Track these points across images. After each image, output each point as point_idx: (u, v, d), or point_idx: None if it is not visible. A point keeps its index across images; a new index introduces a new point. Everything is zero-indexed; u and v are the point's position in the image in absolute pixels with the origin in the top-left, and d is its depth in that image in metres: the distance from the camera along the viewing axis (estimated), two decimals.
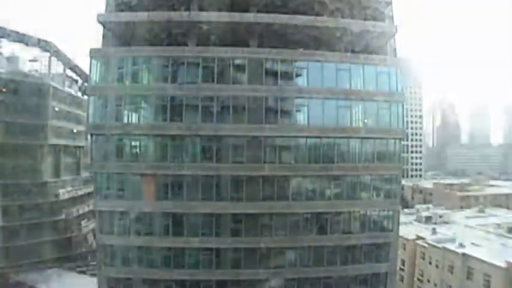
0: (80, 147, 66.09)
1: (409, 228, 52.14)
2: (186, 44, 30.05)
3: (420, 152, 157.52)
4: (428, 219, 56.98)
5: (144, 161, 29.56)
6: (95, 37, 30.97)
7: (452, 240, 44.72)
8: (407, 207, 75.07)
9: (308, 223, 30.53)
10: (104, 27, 30.34)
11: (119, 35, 30.96)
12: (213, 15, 29.01)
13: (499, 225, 53.24)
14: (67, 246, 58.11)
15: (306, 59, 30.31)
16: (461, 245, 42.54)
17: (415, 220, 58.14)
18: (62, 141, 60.94)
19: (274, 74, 29.97)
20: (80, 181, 65.95)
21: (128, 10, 30.04)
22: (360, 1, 30.92)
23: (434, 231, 49.51)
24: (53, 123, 58.26)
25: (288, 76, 30.47)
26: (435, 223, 55.51)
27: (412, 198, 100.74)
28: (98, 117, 30.03)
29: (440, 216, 58.54)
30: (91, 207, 58.82)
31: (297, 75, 30.73)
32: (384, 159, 31.24)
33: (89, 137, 31.04)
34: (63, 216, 58.72)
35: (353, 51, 31.38)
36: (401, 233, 36.48)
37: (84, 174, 64.69)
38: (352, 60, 30.47)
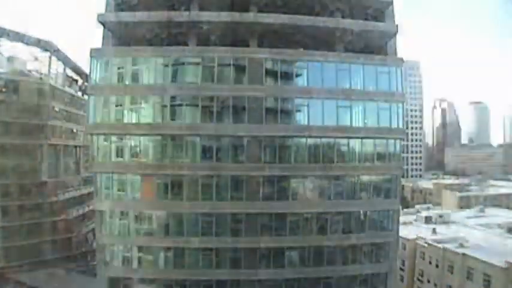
0: (80, 147, 66.05)
1: (409, 228, 52.16)
2: (186, 44, 30.04)
3: (420, 152, 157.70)
4: (428, 219, 57.02)
5: (144, 161, 29.55)
6: (95, 37, 30.93)
7: (452, 240, 44.75)
8: (407, 207, 75.10)
9: (308, 223, 30.51)
10: (104, 27, 30.35)
11: (119, 34, 30.96)
12: (213, 15, 29.00)
13: (499, 225, 53.28)
14: (67, 246, 58.06)
15: (306, 59, 30.30)
16: (461, 245, 42.57)
17: (415, 220, 58.18)
18: (62, 141, 60.91)
19: (274, 74, 29.97)
20: (80, 181, 65.91)
21: (128, 10, 30.04)
22: (360, 1, 30.90)
23: (434, 231, 49.53)
24: (53, 123, 58.25)
25: (288, 76, 30.46)
26: (435, 223, 55.55)
27: (412, 198, 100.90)
28: (98, 117, 30.01)
29: (440, 216, 58.58)
30: (91, 207, 58.76)
31: (297, 75, 30.72)
32: (383, 159, 31.24)
33: (89, 137, 31.05)
34: (63, 216, 58.69)
35: (353, 51, 31.38)
36: (401, 233, 36.49)
37: (84, 174, 64.63)
38: (352, 60, 30.46)
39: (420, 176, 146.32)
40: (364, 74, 30.55)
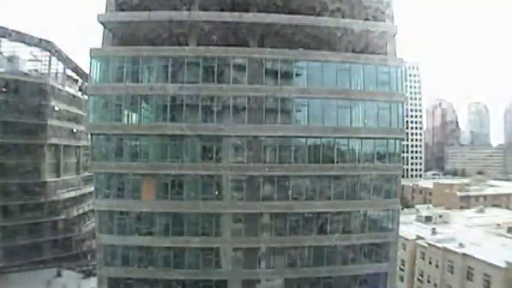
0: (80, 147, 66.09)
1: (409, 228, 52.12)
2: (186, 44, 30.04)
3: (420, 152, 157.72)
4: (428, 219, 57.00)
5: (144, 161, 29.54)
6: (95, 37, 30.94)
7: (452, 240, 44.72)
8: (407, 207, 75.07)
9: (308, 223, 30.51)
10: (104, 27, 30.34)
11: (119, 34, 30.96)
12: (213, 15, 29.01)
13: (499, 225, 53.28)
14: (67, 246, 58.12)
15: (306, 59, 30.30)
16: (461, 245, 42.53)
17: (415, 220, 58.14)
18: (62, 141, 60.96)
19: (275, 74, 29.97)
20: (80, 181, 65.97)
21: (129, 10, 30.03)
22: (361, 1, 30.89)
23: (434, 231, 49.50)
24: (53, 123, 58.30)
25: (288, 76, 30.47)
26: (435, 223, 55.51)
27: (412, 198, 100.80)
28: (98, 117, 30.05)
29: (440, 216, 58.56)
30: (91, 207, 58.81)
31: (297, 75, 30.73)
32: (383, 159, 31.24)
33: (89, 136, 31.06)
34: (63, 216, 58.76)
35: (353, 51, 31.38)
36: (401, 233, 36.47)
37: (84, 174, 64.68)
38: (352, 60, 30.46)
39: (420, 176, 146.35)
40: (364, 74, 30.56)
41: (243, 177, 29.47)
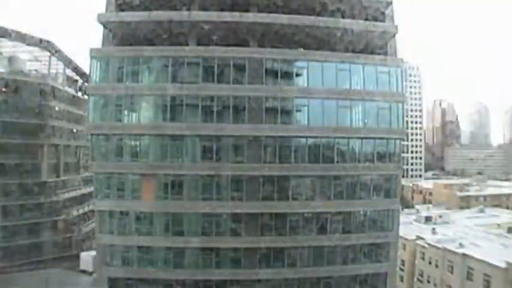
0: (80, 147, 66.09)
1: (409, 228, 52.13)
2: (186, 44, 30.05)
3: (420, 152, 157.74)
4: (428, 219, 57.03)
5: (144, 161, 29.56)
6: (95, 37, 30.95)
7: (452, 240, 44.73)
8: (407, 207, 75.09)
9: (308, 223, 30.51)
10: (104, 27, 30.36)
11: (119, 34, 30.96)
12: (213, 15, 29.01)
13: (499, 225, 53.30)
14: (67, 246, 58.11)
15: (306, 59, 30.30)
16: (461, 245, 42.54)
17: (415, 220, 58.16)
18: (62, 141, 60.96)
19: (275, 74, 29.98)
20: (80, 181, 65.95)
21: (129, 10, 30.03)
22: (361, 1, 30.89)
23: (434, 231, 49.52)
24: (53, 123, 58.29)
25: (288, 76, 30.49)
26: (435, 223, 55.55)
27: (412, 198, 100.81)
28: (98, 117, 30.06)
29: (440, 216, 58.59)
30: (91, 207, 58.82)
31: (297, 75, 30.75)
32: (384, 159, 31.24)
33: (89, 136, 31.07)
34: (63, 216, 58.75)
35: (353, 51, 31.37)
36: (401, 233, 36.47)
37: (84, 174, 64.69)
38: (352, 60, 30.45)
39: (420, 176, 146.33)
40: (364, 74, 30.56)
41: (243, 177, 29.47)
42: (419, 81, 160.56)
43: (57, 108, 59.56)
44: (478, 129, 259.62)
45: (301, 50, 30.56)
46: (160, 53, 29.53)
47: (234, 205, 29.38)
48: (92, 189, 37.99)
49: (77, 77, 68.29)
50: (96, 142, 30.14)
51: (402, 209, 48.75)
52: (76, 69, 65.69)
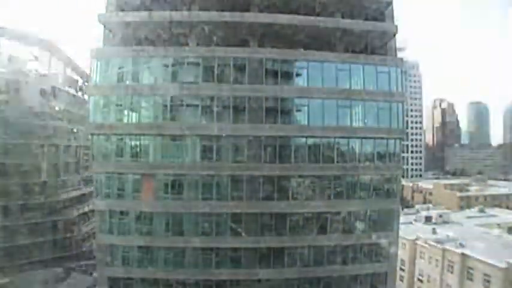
0: (80, 147, 66.07)
1: (409, 228, 52.18)
2: (186, 44, 30.06)
3: (420, 152, 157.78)
4: (428, 219, 57.08)
5: (144, 161, 29.56)
6: (95, 37, 30.92)
7: (452, 240, 44.77)
8: (407, 207, 75.17)
9: (308, 223, 30.51)
10: (104, 27, 30.37)
11: (119, 34, 30.95)
12: (213, 15, 29.01)
13: (499, 225, 53.34)
14: (67, 246, 58.10)
15: (306, 59, 30.28)
16: (461, 245, 42.58)
17: (415, 220, 58.21)
18: (62, 141, 60.94)
19: (275, 74, 29.98)
20: (80, 181, 65.94)
21: (129, 10, 30.05)
22: (361, 1, 30.90)
23: (434, 231, 49.56)
24: (53, 123, 58.27)
25: (288, 76, 30.48)
26: (435, 223, 55.61)
27: (412, 198, 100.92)
28: (98, 117, 30.04)
29: (440, 216, 58.64)
30: (91, 207, 58.81)
31: (297, 75, 30.73)
32: (383, 159, 31.25)
33: (89, 136, 31.08)
34: (63, 216, 58.73)
35: (353, 51, 31.40)
36: (401, 233, 36.52)
37: (84, 174, 64.67)
38: (352, 60, 30.45)
39: (420, 176, 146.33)
40: (364, 74, 30.56)
41: (243, 177, 29.47)
42: (419, 81, 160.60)
43: (57, 108, 59.53)
44: (478, 129, 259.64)
45: (301, 50, 30.57)
46: (161, 52, 29.52)
47: (234, 205, 29.38)
48: (92, 189, 37.93)
49: (77, 77, 68.29)
50: (96, 142, 30.13)
51: (402, 209, 48.86)
52: (76, 69, 65.69)
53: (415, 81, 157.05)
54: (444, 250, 43.30)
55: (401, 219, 36.95)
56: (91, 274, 48.46)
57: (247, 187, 29.48)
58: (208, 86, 29.13)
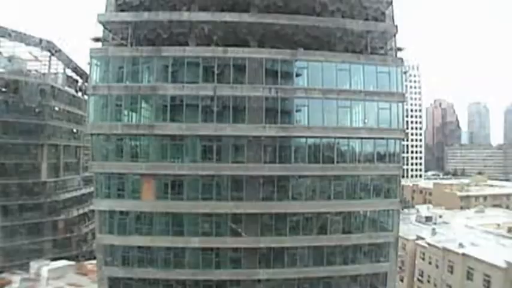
0: (80, 147, 66.10)
1: (409, 228, 52.20)
2: (186, 44, 30.05)
3: (420, 152, 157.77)
4: (428, 219, 57.10)
5: (144, 161, 29.53)
6: (95, 37, 30.91)
7: (452, 240, 44.77)
8: (407, 207, 75.12)
9: (308, 223, 30.51)
10: (104, 27, 30.35)
11: (119, 34, 30.94)
12: (213, 15, 28.97)
13: (499, 225, 53.35)
14: (67, 246, 58.11)
15: (306, 59, 30.26)
16: (461, 245, 42.57)
17: (415, 220, 58.23)
18: (62, 141, 60.98)
19: (274, 74, 29.96)
20: (80, 181, 65.96)
21: (129, 10, 30.04)
22: (361, 1, 30.89)
23: (434, 231, 49.55)
24: (53, 123, 58.31)
25: (288, 76, 30.47)
26: (435, 223, 55.62)
27: (412, 198, 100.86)
28: (98, 117, 30.04)
29: (440, 216, 58.73)
30: (91, 207, 58.83)
31: (297, 75, 30.73)
32: (384, 159, 31.23)
33: (89, 136, 31.07)
34: (63, 216, 58.76)
35: (353, 51, 31.39)
36: (401, 233, 36.53)
37: (84, 174, 64.69)
38: (352, 60, 30.45)
39: (420, 176, 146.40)
40: (364, 74, 30.55)
41: (243, 177, 29.46)
42: (419, 81, 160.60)
43: (57, 108, 59.56)
44: (477, 129, 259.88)
45: (301, 50, 30.58)
46: (160, 53, 29.49)
47: (234, 205, 29.36)
48: (92, 189, 37.95)
49: (77, 77, 68.31)
50: (96, 142, 30.11)
51: (402, 209, 48.81)
52: (76, 69, 65.70)
53: (415, 81, 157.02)
54: (444, 250, 43.29)
55: (401, 219, 36.94)
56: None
57: (247, 187, 29.46)
58: (208, 86, 29.06)
